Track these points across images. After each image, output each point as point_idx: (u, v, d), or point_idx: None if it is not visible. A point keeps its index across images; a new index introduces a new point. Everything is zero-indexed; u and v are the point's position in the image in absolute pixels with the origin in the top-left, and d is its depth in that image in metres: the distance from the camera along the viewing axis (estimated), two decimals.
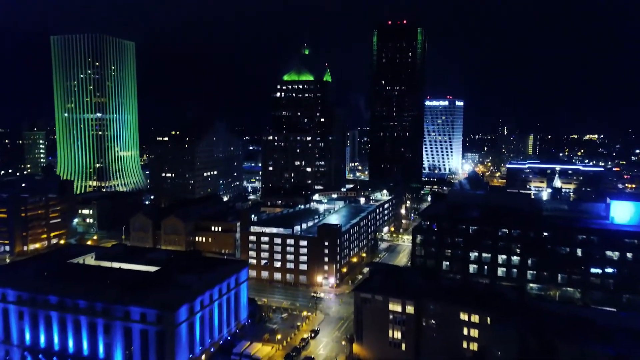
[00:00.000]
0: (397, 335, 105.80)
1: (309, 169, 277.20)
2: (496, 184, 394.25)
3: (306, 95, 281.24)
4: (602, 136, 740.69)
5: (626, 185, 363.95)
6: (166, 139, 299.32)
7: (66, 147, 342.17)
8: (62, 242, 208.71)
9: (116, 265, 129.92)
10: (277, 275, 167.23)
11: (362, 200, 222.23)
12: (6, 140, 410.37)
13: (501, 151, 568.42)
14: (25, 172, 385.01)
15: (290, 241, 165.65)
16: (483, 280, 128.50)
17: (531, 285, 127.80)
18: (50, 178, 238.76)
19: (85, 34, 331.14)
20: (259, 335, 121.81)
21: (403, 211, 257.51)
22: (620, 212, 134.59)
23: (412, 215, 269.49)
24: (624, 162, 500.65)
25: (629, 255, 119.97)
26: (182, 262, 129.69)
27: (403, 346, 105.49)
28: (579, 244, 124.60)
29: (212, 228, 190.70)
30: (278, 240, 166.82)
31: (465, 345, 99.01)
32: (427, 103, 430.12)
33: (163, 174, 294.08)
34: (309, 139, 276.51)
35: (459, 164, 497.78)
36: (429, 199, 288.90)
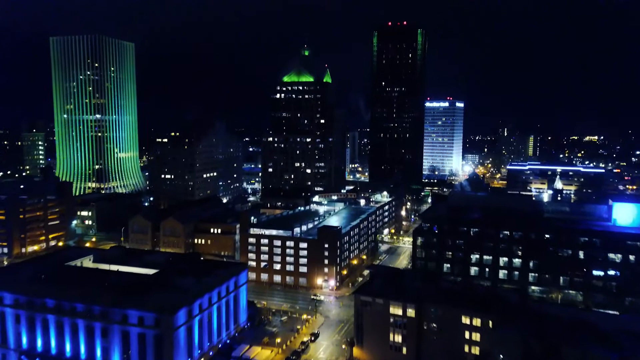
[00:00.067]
0: (398, 338, 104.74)
1: (308, 171, 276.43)
2: (497, 186, 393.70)
3: (306, 96, 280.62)
4: (602, 137, 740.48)
5: (627, 186, 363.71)
6: (165, 140, 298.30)
7: (65, 148, 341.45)
8: (60, 244, 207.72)
9: (114, 267, 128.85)
10: (277, 278, 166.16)
11: (362, 202, 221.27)
12: (5, 142, 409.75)
13: (501, 152, 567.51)
14: (24, 174, 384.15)
15: (290, 243, 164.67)
16: (484, 283, 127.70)
17: (533, 287, 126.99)
18: (49, 179, 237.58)
19: (85, 35, 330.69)
20: (259, 339, 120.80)
21: (403, 213, 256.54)
22: (623, 214, 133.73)
23: (413, 217, 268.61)
24: (625, 164, 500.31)
25: (631, 257, 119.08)
26: (180, 265, 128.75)
27: (404, 350, 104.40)
28: (581, 246, 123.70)
29: (212, 230, 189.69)
30: (278, 243, 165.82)
31: (467, 349, 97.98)
32: (428, 104, 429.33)
33: (162, 176, 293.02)
34: (308, 140, 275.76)
35: (459, 166, 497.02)
36: (430, 200, 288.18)
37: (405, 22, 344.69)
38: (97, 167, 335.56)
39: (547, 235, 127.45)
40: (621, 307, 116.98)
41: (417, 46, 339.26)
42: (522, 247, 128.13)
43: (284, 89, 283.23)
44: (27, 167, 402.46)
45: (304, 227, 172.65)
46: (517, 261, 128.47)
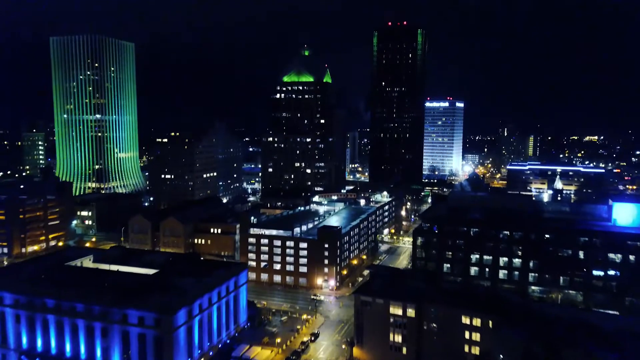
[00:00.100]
0: (398, 338, 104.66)
1: (308, 171, 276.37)
2: (497, 186, 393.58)
3: (306, 96, 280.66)
4: (602, 137, 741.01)
5: (627, 186, 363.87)
6: (165, 140, 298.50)
7: (65, 148, 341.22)
8: (60, 244, 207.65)
9: (114, 268, 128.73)
10: (277, 278, 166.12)
11: (362, 202, 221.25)
12: (5, 142, 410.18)
13: (501, 152, 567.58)
14: (24, 174, 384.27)
15: (290, 243, 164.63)
16: (484, 283, 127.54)
17: (533, 287, 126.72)
18: (49, 180, 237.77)
19: (85, 35, 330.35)
20: (259, 339, 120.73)
21: (403, 213, 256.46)
22: (623, 214, 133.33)
23: (413, 217, 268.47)
24: (625, 164, 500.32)
25: (631, 257, 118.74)
26: (180, 265, 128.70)
27: (404, 350, 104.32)
28: (581, 246, 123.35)
29: (212, 230, 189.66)
30: (278, 243, 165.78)
31: (467, 349, 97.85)
32: (428, 104, 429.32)
33: (162, 176, 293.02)
34: (308, 140, 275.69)
35: (459, 166, 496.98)
36: (430, 200, 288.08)
37: (405, 22, 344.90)
38: (97, 167, 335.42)
39: (547, 235, 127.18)
40: (621, 307, 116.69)
41: (417, 46, 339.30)
42: (522, 247, 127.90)
43: (284, 89, 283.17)
44: (27, 167, 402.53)
45: (304, 227, 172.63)
46: (517, 261, 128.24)
